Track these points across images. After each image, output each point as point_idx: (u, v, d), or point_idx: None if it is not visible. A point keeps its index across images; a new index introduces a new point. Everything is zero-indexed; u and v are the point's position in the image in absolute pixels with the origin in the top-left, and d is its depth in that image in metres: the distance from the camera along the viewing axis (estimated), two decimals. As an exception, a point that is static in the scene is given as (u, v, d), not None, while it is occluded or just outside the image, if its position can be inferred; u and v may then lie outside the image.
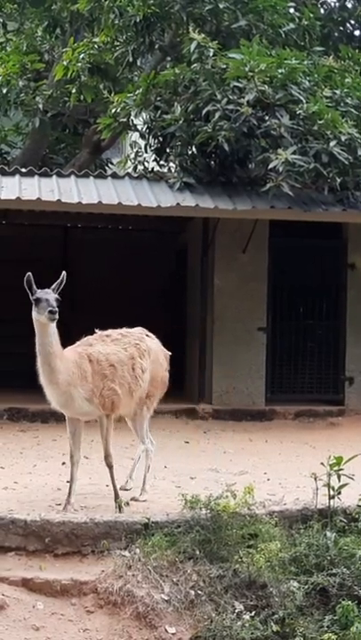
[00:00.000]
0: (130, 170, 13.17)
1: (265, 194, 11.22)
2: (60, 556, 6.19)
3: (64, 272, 6.50)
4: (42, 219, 12.69)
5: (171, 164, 13.10)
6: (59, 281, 6.50)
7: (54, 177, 12.00)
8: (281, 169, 10.80)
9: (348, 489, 6.79)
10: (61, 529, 6.24)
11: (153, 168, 13.27)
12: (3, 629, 5.44)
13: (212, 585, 6.03)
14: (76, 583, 5.94)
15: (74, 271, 14.55)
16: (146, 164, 13.34)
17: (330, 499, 6.76)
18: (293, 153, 10.92)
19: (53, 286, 6.47)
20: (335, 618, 5.80)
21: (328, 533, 6.42)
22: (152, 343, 7.56)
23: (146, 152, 13.17)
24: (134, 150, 13.46)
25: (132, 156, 13.51)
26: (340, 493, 6.76)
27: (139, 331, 7.60)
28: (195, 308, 13.13)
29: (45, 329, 6.44)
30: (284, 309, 12.53)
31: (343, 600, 5.84)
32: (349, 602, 5.81)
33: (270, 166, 10.93)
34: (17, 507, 6.70)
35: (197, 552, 6.24)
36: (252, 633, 5.69)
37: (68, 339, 13.59)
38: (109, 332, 7.27)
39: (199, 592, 5.98)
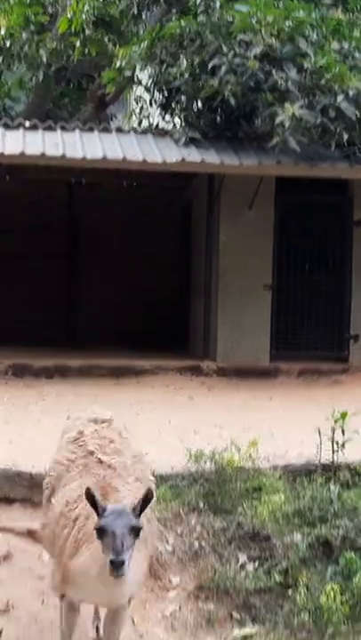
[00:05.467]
0: (135, 125, 13.04)
1: (271, 149, 11.11)
2: (65, 508, 6.22)
3: (151, 492, 4.03)
4: (46, 174, 12.59)
5: (176, 120, 12.95)
6: (143, 496, 3.98)
7: (58, 131, 11.89)
8: (288, 124, 10.67)
9: (352, 444, 6.81)
10: (66, 481, 6.26)
11: (158, 123, 13.14)
12: (9, 578, 5.50)
13: (216, 536, 6.07)
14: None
15: (78, 228, 14.65)
16: (151, 119, 13.21)
17: (334, 453, 6.79)
18: (300, 107, 10.79)
19: (134, 504, 3.96)
20: (338, 569, 5.83)
21: (332, 487, 6.45)
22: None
23: (151, 106, 13.03)
24: (139, 105, 13.33)
25: (137, 110, 13.38)
26: (343, 448, 6.79)
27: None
28: (200, 265, 13.08)
29: (109, 583, 3.97)
30: (289, 266, 12.47)
31: (346, 552, 5.87)
32: (352, 553, 5.84)
33: (277, 121, 10.80)
34: (22, 460, 6.72)
35: (202, 504, 6.29)
36: (255, 583, 5.73)
37: (73, 305, 13.48)
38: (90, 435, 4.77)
39: (203, 543, 6.03)
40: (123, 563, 3.78)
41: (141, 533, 3.98)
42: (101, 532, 3.88)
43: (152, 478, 4.75)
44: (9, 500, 6.20)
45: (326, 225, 12.58)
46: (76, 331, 14.24)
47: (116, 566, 3.78)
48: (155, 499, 4.11)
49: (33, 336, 13.02)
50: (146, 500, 3.96)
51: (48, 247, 14.37)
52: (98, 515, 3.90)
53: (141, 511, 3.93)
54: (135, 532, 3.87)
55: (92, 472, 4.37)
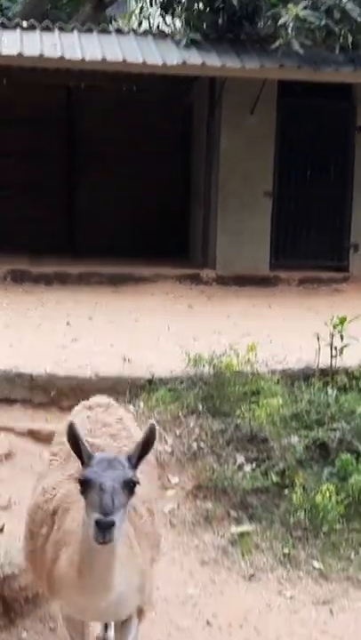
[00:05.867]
0: (134, 26, 12.68)
1: (274, 52, 10.84)
2: (66, 409, 6.27)
3: (154, 425, 3.21)
4: (44, 78, 12.30)
5: (177, 21, 12.59)
6: (142, 439, 3.18)
7: (56, 32, 11.57)
8: (291, 25, 10.39)
9: (350, 350, 6.85)
10: (67, 383, 6.34)
11: (158, 25, 12.78)
12: (10, 476, 5.60)
13: (215, 438, 6.15)
14: (80, 435, 6.06)
15: (77, 135, 14.39)
16: (151, 20, 12.84)
17: (332, 358, 6.84)
18: (304, 8, 10.48)
19: (131, 451, 3.17)
20: (334, 471, 5.94)
21: (329, 391, 6.52)
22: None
23: (151, 7, 12.65)
24: (139, 5, 12.93)
25: (137, 11, 12.99)
26: (342, 353, 6.83)
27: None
28: (200, 172, 12.91)
29: (92, 553, 3.15)
30: (290, 173, 12.32)
31: (342, 454, 5.96)
32: (348, 455, 5.93)
33: (280, 22, 10.50)
34: (22, 362, 6.76)
35: (200, 407, 6.36)
36: (252, 483, 5.83)
37: (72, 210, 13.23)
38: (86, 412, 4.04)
39: (202, 445, 6.11)
40: (112, 525, 2.93)
41: (140, 507, 3.46)
42: (86, 485, 3.02)
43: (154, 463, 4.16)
44: (10, 401, 6.27)
45: (329, 131, 12.37)
46: (75, 239, 14.14)
47: (103, 527, 2.92)
48: (156, 446, 3.34)
49: (32, 244, 12.95)
50: (146, 444, 3.14)
51: (46, 154, 14.15)
52: (82, 464, 3.09)
53: (139, 460, 3.12)
54: (130, 487, 3.04)
55: (73, 459, 3.31)
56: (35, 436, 6.04)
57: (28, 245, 12.75)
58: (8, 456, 5.74)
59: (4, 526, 4.99)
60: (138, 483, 3.08)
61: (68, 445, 3.23)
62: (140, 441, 3.14)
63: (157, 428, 3.18)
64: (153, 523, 3.78)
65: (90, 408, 4.02)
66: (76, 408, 4.16)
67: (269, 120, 12.03)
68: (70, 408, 6.36)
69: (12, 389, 6.27)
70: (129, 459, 3.11)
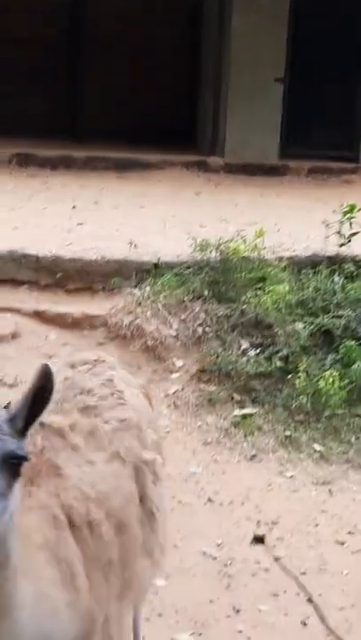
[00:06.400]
0: None
1: None
2: (72, 292, 6.32)
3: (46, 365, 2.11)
4: None
5: None
6: (32, 388, 2.11)
7: None
8: None
9: (358, 238, 6.80)
10: (72, 265, 6.33)
11: None
12: (17, 355, 5.65)
13: (220, 323, 6.17)
14: (86, 317, 6.10)
15: (81, 15, 13.91)
16: None
17: (340, 246, 6.79)
18: None
19: (16, 410, 2.13)
20: (338, 357, 5.98)
21: (336, 278, 6.49)
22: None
23: None
24: None
25: None
26: (350, 241, 6.78)
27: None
28: (210, 54, 12.53)
29: None
30: (303, 59, 11.95)
31: (347, 341, 5.99)
32: (353, 342, 5.96)
33: None
34: (29, 244, 6.72)
35: (206, 292, 6.35)
36: (256, 368, 5.88)
37: (76, 94, 12.79)
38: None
39: (207, 329, 6.14)
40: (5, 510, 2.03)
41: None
42: None
43: (156, 457, 2.91)
44: (16, 282, 6.27)
45: (345, 15, 11.94)
46: (80, 124, 13.84)
47: None
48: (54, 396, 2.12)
49: (37, 129, 12.69)
50: (38, 397, 2.07)
51: (47, 32, 13.68)
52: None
53: (30, 422, 2.09)
54: (13, 463, 2.05)
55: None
56: (40, 317, 6.06)
57: (33, 130, 12.50)
58: (15, 336, 5.78)
59: (10, 404, 5.06)
60: (26, 458, 2.07)
61: None
62: (29, 392, 2.07)
63: (53, 370, 2.06)
64: (150, 522, 2.83)
65: (72, 366, 2.98)
66: (56, 365, 2.77)
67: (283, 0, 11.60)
68: (76, 291, 6.47)
69: (18, 270, 6.26)
70: (11, 420, 2.07)
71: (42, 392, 2.06)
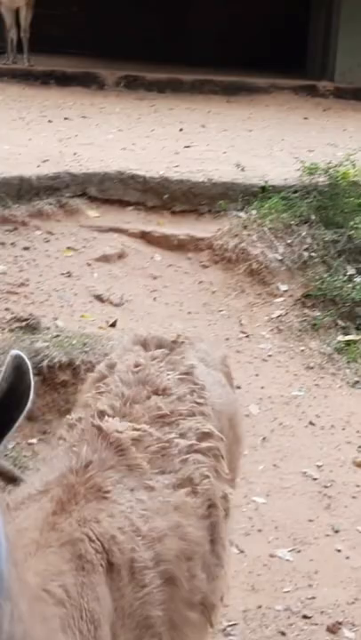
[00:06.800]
0: None
1: None
2: (178, 214, 6.33)
3: (19, 356, 1.46)
4: None
5: None
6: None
7: None
8: None
9: None
10: (179, 187, 6.33)
11: None
12: (123, 275, 5.72)
13: (326, 248, 6.10)
14: (192, 239, 6.11)
15: None
16: None
17: None
18: None
19: None
20: None
21: None
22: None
23: None
24: None
25: None
26: None
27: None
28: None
29: None
30: None
31: None
32: None
33: None
34: (136, 165, 6.73)
35: (313, 217, 6.27)
36: (361, 295, 5.81)
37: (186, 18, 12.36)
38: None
39: (312, 254, 6.08)
40: None
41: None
42: None
43: (227, 491, 2.29)
44: (123, 203, 6.31)
45: None
46: (188, 48, 13.65)
47: None
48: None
49: (146, 52, 12.59)
50: (10, 404, 1.46)
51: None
52: None
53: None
54: None
55: (71, 455, 2.00)
56: (146, 238, 6.10)
57: (142, 53, 12.42)
58: (121, 256, 5.84)
59: (116, 321, 5.15)
60: None
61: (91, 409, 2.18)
62: None
63: (27, 364, 1.46)
64: (215, 570, 2.20)
65: (145, 347, 2.46)
66: (124, 341, 2.60)
67: None
68: (182, 213, 6.47)
69: (126, 191, 6.29)
70: None
71: (13, 394, 1.43)
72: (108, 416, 2.14)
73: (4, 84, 10.72)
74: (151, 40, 13.16)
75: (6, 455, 3.66)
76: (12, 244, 5.69)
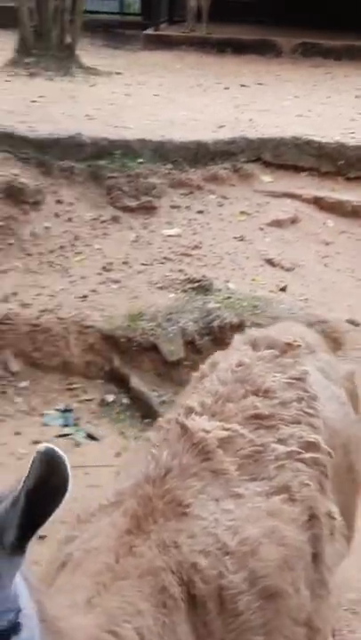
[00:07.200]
0: None
1: None
2: (352, 180, 6.25)
3: (50, 450, 1.23)
4: None
5: None
6: (27, 488, 1.23)
7: None
8: None
9: None
10: (355, 153, 6.25)
11: None
12: (295, 240, 5.72)
13: None
14: (367, 206, 6.02)
15: None
16: None
17: None
18: None
19: (9, 506, 1.25)
20: None
21: None
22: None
23: None
24: None
25: None
26: None
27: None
28: None
29: None
30: None
31: None
32: None
33: None
34: (311, 131, 6.69)
35: None
36: None
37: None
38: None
39: None
40: None
41: None
42: None
43: (333, 509, 1.96)
44: (297, 169, 6.30)
45: None
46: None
47: None
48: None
49: (320, 19, 12.37)
50: (41, 499, 1.25)
51: None
52: None
53: (27, 534, 1.26)
54: None
55: (150, 459, 1.81)
56: (319, 204, 6.07)
57: (319, 20, 12.22)
58: (294, 221, 5.84)
59: (286, 286, 5.18)
60: (19, 609, 1.27)
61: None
62: (22, 488, 1.24)
63: (62, 457, 1.24)
64: (319, 592, 1.89)
65: (254, 347, 2.19)
66: (235, 340, 2.29)
67: None
68: (357, 179, 6.37)
69: (300, 157, 6.28)
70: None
71: (45, 488, 1.23)
72: (196, 414, 1.90)
73: (182, 52, 10.89)
74: (328, 7, 12.91)
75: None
76: (186, 207, 5.82)
